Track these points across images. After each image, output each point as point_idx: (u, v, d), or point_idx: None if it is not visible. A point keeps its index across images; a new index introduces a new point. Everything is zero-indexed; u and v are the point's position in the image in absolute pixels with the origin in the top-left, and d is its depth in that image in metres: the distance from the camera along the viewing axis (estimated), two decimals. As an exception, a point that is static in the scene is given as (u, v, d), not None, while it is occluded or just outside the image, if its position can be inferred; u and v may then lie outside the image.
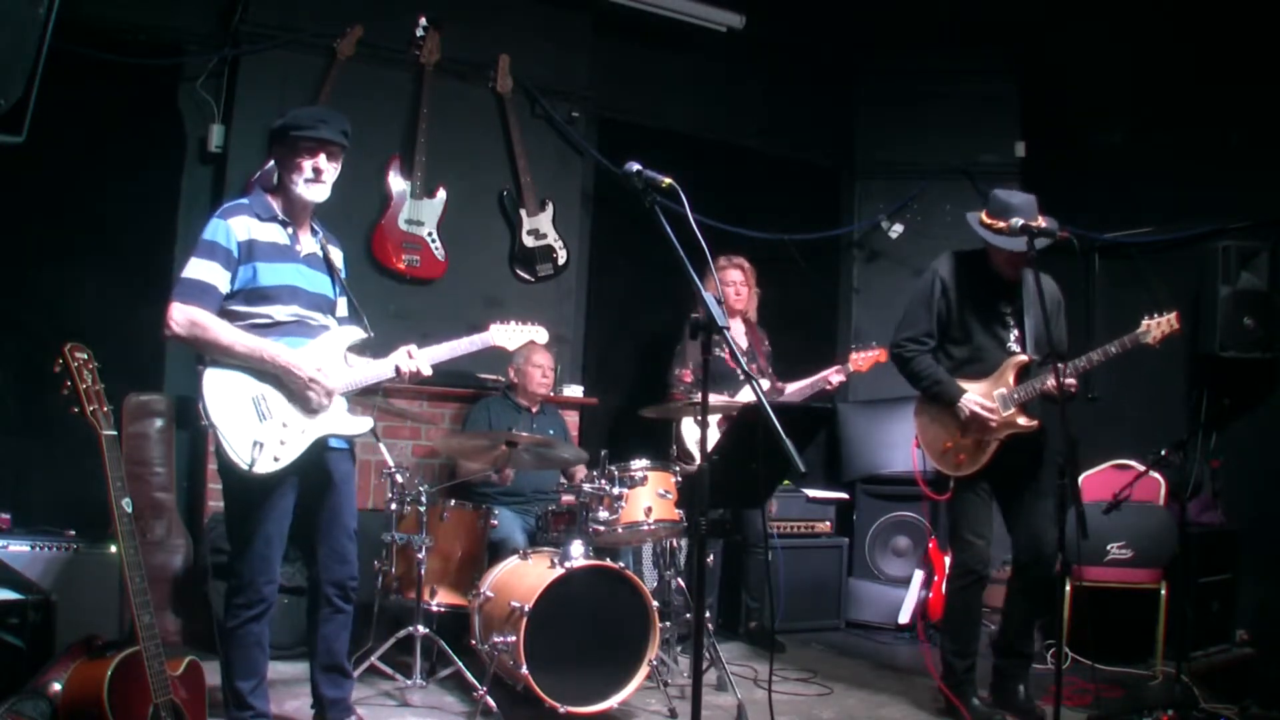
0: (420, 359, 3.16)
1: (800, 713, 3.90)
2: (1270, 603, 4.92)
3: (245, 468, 2.81)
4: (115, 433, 2.64)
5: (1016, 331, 3.77)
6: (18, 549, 3.61)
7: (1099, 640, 4.31)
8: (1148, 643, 4.61)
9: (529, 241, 5.38)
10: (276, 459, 2.87)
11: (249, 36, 4.76)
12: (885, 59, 6.48)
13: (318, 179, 3.01)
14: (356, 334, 3.16)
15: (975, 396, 3.68)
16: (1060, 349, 3.71)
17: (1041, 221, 3.51)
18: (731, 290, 4.97)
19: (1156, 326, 3.58)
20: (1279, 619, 4.85)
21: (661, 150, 4.24)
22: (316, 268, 3.12)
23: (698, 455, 4.46)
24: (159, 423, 4.45)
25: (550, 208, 5.42)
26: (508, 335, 3.54)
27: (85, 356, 2.63)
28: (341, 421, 3.07)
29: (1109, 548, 4.58)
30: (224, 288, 2.91)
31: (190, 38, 4.76)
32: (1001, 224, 3.51)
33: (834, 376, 4.90)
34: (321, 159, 3.00)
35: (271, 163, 4.60)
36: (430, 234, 5.07)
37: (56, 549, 3.68)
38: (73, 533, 3.82)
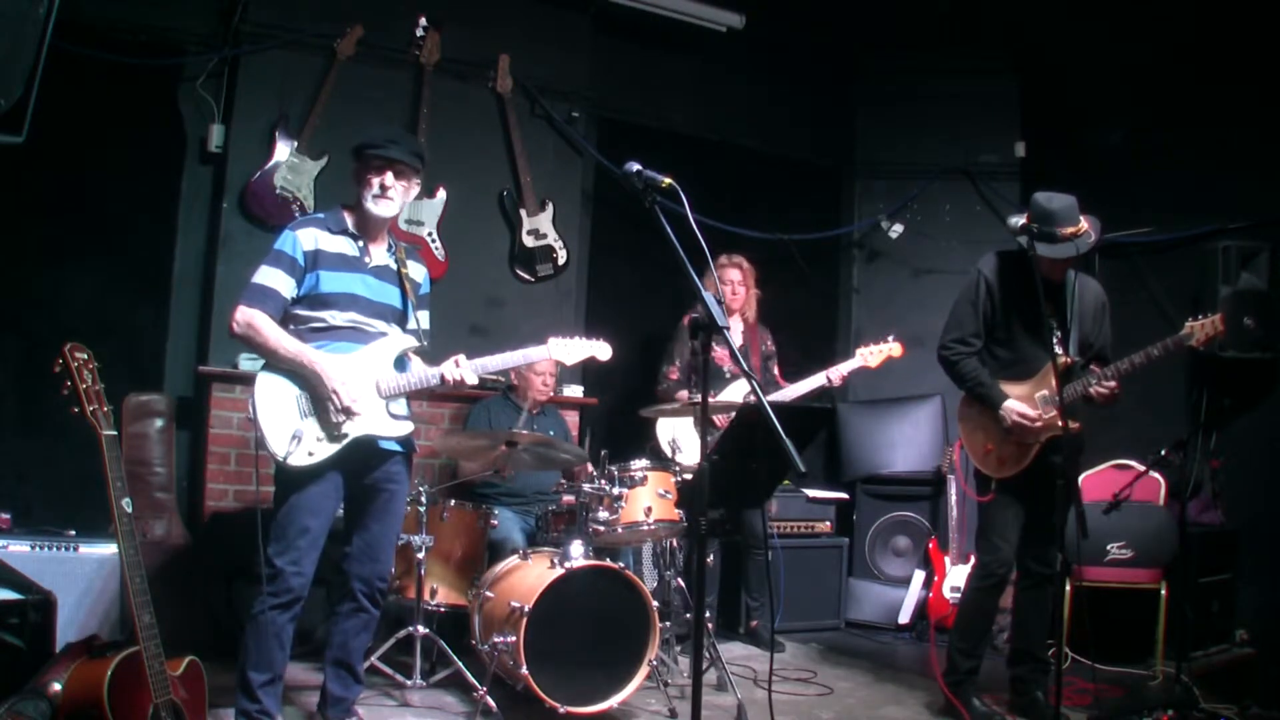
0: (465, 369, 3.22)
1: (800, 713, 3.89)
2: (1270, 603, 4.92)
3: (280, 458, 2.95)
4: (115, 433, 2.64)
5: (1060, 333, 3.69)
6: (18, 549, 3.60)
7: (1099, 640, 4.29)
8: (1148, 643, 4.61)
9: (529, 241, 5.38)
10: (311, 454, 3.00)
11: (249, 36, 4.76)
12: (885, 59, 6.48)
13: (384, 195, 3.14)
14: (411, 341, 3.25)
15: (1017, 404, 3.63)
16: (1104, 351, 3.70)
17: (1085, 224, 3.50)
18: (729, 289, 4.95)
19: (1201, 328, 3.48)
20: (1279, 619, 4.85)
21: (661, 150, 4.23)
22: (385, 279, 3.23)
23: (669, 454, 4.49)
24: (159, 423, 4.45)
25: (550, 208, 5.42)
26: (566, 350, 3.48)
27: (85, 356, 2.63)
28: (382, 423, 3.14)
29: (1109, 548, 4.58)
30: (287, 293, 3.09)
31: (190, 38, 4.76)
32: (1063, 230, 3.48)
33: (833, 374, 4.76)
34: (389, 177, 3.13)
35: (271, 163, 4.69)
36: (430, 234, 5.07)
37: (56, 549, 3.68)
38: (73, 533, 3.82)
